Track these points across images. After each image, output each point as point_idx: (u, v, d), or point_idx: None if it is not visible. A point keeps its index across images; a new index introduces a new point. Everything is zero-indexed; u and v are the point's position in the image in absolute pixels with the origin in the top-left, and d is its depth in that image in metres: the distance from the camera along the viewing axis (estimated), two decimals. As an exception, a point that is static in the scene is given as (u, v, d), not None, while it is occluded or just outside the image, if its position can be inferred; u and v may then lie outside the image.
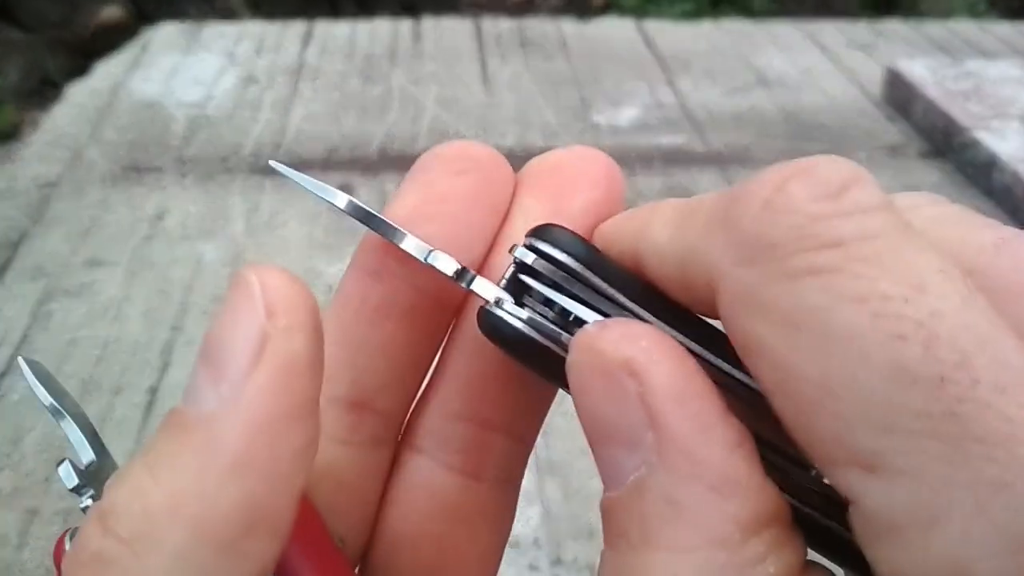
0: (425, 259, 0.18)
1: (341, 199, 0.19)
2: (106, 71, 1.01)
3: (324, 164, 0.83)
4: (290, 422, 0.14)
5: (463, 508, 0.20)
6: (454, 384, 0.19)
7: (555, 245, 0.18)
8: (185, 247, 0.70)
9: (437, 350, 0.20)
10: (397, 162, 0.83)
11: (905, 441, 0.12)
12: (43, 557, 0.45)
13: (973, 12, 1.50)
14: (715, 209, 0.14)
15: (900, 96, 0.94)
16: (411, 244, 0.19)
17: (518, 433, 0.21)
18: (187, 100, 0.95)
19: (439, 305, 0.19)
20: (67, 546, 0.18)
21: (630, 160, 0.84)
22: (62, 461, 0.18)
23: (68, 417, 0.18)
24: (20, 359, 0.18)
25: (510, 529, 0.21)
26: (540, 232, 0.19)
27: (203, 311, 0.63)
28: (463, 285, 0.18)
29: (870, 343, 0.12)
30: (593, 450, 0.15)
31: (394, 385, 0.19)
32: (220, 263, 0.68)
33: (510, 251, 0.18)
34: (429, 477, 0.20)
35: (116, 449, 0.47)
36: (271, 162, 0.19)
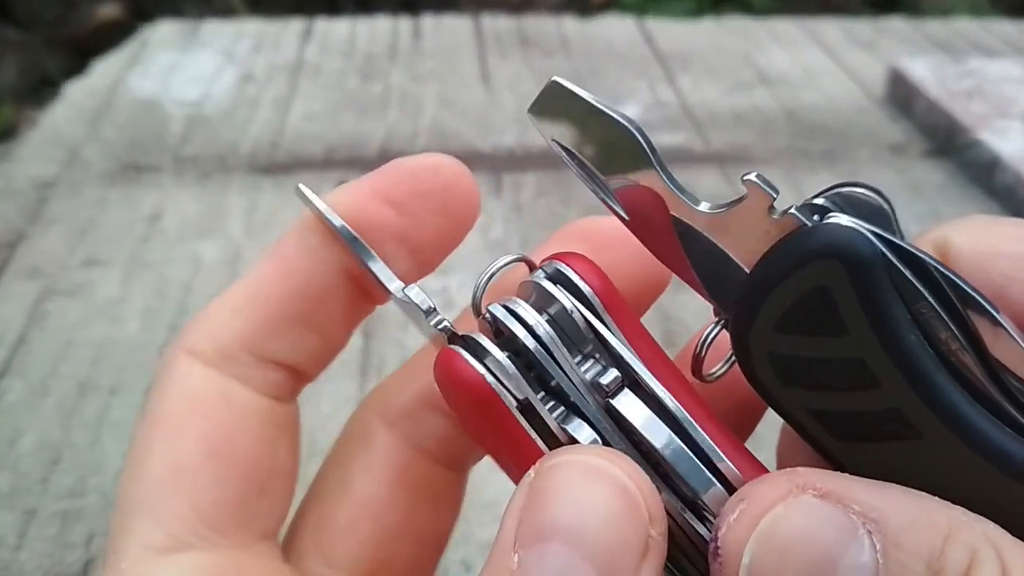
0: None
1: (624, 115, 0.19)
2: (104, 70, 1.01)
3: (323, 163, 0.82)
4: None
5: (429, 486, 0.22)
6: (430, 378, 0.21)
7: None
8: (183, 247, 0.69)
9: (359, 323, 0.22)
10: (396, 161, 0.83)
11: None
12: (41, 558, 0.45)
13: (975, 11, 1.49)
14: None
15: (902, 95, 0.94)
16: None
17: None
18: (185, 99, 0.94)
19: (367, 291, 0.21)
20: (472, 362, 0.18)
21: (631, 159, 0.83)
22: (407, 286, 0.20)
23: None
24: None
25: (458, 514, 0.23)
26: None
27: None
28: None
29: None
30: None
31: (322, 356, 0.22)
32: (218, 263, 0.67)
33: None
34: (402, 453, 0.22)
35: (113, 450, 0.47)
36: (556, 78, 0.20)
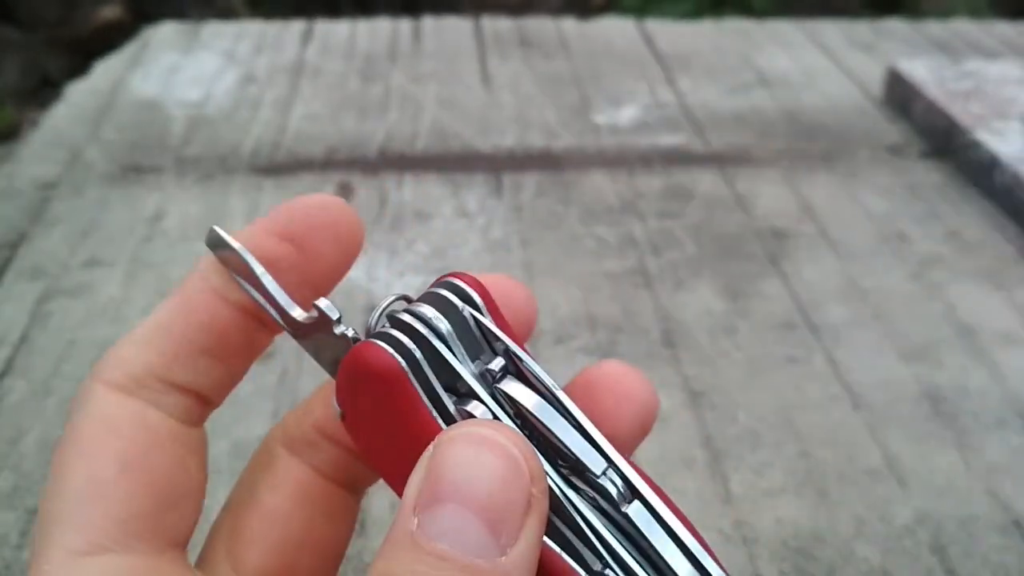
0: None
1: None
2: (105, 70, 1.01)
3: (324, 163, 0.82)
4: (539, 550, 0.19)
5: (327, 504, 0.26)
6: (327, 410, 0.25)
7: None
8: (184, 247, 0.70)
9: (259, 355, 0.25)
10: (397, 162, 0.83)
11: None
12: (42, 557, 0.45)
13: (974, 12, 1.50)
14: None
15: (901, 96, 0.94)
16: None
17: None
18: (186, 99, 0.95)
19: (265, 325, 0.24)
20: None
21: (630, 160, 0.84)
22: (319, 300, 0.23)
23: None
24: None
25: (353, 530, 0.26)
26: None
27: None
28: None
29: None
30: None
31: (226, 383, 0.24)
32: (220, 263, 0.67)
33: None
34: (302, 474, 0.25)
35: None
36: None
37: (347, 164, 0.82)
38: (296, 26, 1.14)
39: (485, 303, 0.22)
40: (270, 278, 0.23)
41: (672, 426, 0.53)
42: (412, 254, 0.69)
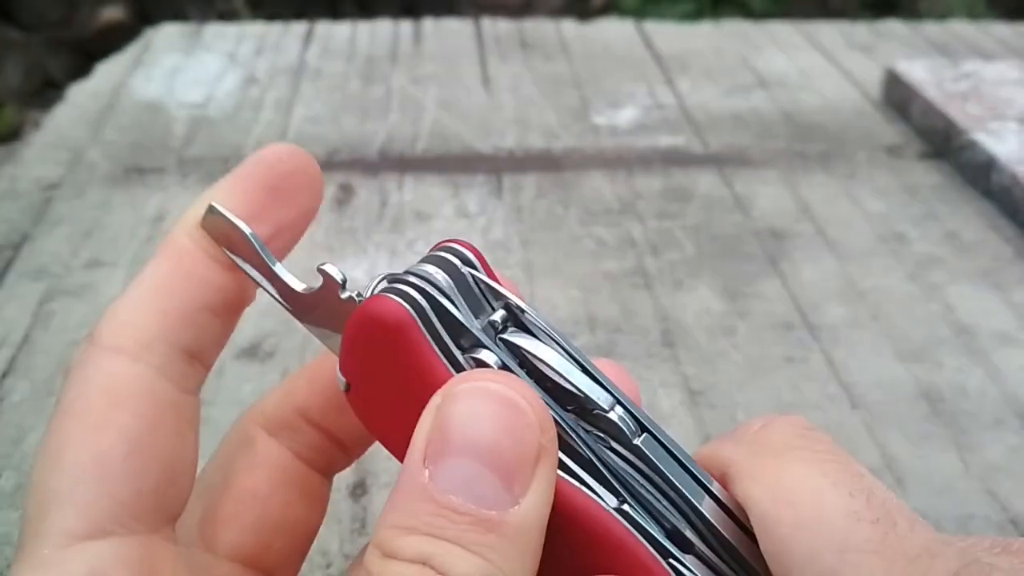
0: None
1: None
2: (107, 72, 1.02)
3: (325, 165, 0.83)
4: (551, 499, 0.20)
5: (303, 486, 0.26)
6: (316, 398, 0.25)
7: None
8: (186, 247, 0.70)
9: (244, 308, 0.25)
10: (397, 163, 0.83)
11: (856, 556, 0.19)
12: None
13: (971, 13, 1.50)
14: (723, 435, 0.24)
15: (899, 97, 0.94)
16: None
17: (349, 447, 0.27)
18: (188, 100, 0.95)
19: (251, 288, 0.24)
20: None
21: (629, 161, 0.84)
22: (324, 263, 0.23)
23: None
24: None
25: (325, 513, 0.27)
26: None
27: (204, 311, 0.63)
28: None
29: (830, 497, 0.20)
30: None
31: (220, 341, 0.24)
32: (221, 263, 0.68)
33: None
34: (280, 456, 0.26)
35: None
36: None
37: (348, 165, 0.82)
38: (297, 28, 1.14)
39: (481, 266, 0.23)
40: (271, 255, 0.23)
41: (671, 425, 0.54)
42: (413, 255, 0.69)
